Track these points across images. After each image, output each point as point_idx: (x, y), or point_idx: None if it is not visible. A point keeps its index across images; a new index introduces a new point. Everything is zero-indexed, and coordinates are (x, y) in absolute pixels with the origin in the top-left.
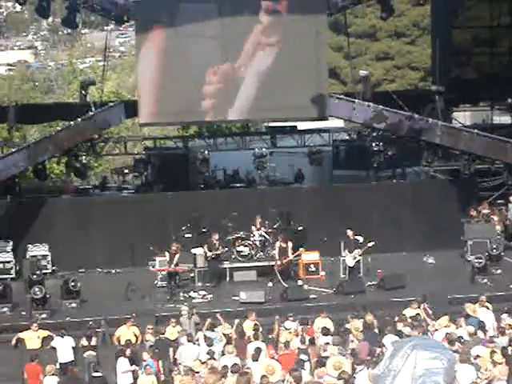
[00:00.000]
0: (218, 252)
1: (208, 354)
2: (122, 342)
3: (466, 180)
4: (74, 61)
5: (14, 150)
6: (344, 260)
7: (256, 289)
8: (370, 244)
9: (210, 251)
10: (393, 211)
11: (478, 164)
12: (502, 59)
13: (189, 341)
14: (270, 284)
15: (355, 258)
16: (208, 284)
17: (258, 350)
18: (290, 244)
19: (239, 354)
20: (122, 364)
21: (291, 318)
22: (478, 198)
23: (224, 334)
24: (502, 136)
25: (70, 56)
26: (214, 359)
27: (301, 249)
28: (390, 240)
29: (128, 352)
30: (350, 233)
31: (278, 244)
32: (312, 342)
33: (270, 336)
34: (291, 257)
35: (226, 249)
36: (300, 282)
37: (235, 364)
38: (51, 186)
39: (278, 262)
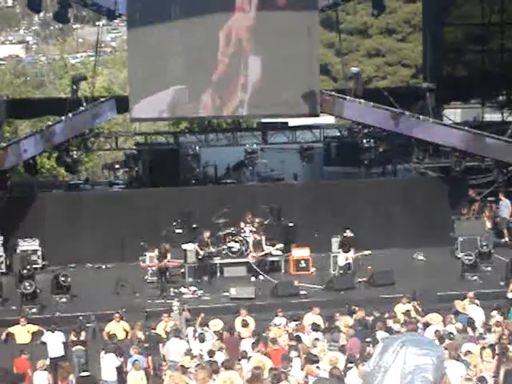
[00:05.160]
0: (213, 250)
1: (199, 350)
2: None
3: (456, 177)
4: (65, 56)
5: (4, 144)
6: (335, 256)
7: (246, 284)
8: (366, 252)
9: (202, 249)
10: (383, 208)
11: (469, 161)
12: (493, 57)
13: (175, 336)
14: (253, 279)
15: (347, 259)
16: (199, 281)
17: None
18: (263, 237)
19: (230, 351)
20: (108, 359)
21: (280, 314)
22: (468, 195)
23: (214, 331)
24: (493, 133)
25: (61, 51)
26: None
27: (278, 245)
28: (380, 236)
29: (115, 347)
30: (347, 233)
31: (251, 237)
32: (299, 338)
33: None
34: (266, 250)
35: (218, 247)
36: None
37: (228, 359)
38: (42, 180)
39: (254, 254)
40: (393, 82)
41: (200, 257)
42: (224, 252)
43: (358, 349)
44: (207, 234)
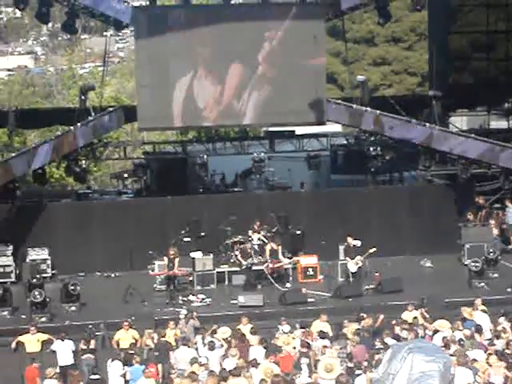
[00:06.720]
0: (255, 261)
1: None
2: (121, 346)
3: (462, 184)
4: (73, 66)
5: (13, 154)
6: (344, 265)
7: (254, 292)
8: (371, 250)
9: (245, 259)
10: (390, 215)
11: (475, 168)
12: (499, 64)
13: (183, 344)
14: (260, 287)
15: (357, 263)
16: (245, 293)
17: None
18: (279, 247)
19: (240, 357)
20: (116, 367)
21: (284, 323)
22: (474, 202)
23: (223, 339)
24: (500, 141)
25: (69, 61)
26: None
27: (295, 258)
28: (388, 244)
29: (122, 355)
30: (349, 239)
31: (268, 246)
32: (309, 345)
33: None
34: (284, 261)
35: (260, 257)
36: (288, 285)
37: (237, 367)
38: (51, 190)
39: (270, 265)
40: (399, 90)
41: (243, 267)
42: (232, 260)
43: (364, 356)
44: (248, 245)
